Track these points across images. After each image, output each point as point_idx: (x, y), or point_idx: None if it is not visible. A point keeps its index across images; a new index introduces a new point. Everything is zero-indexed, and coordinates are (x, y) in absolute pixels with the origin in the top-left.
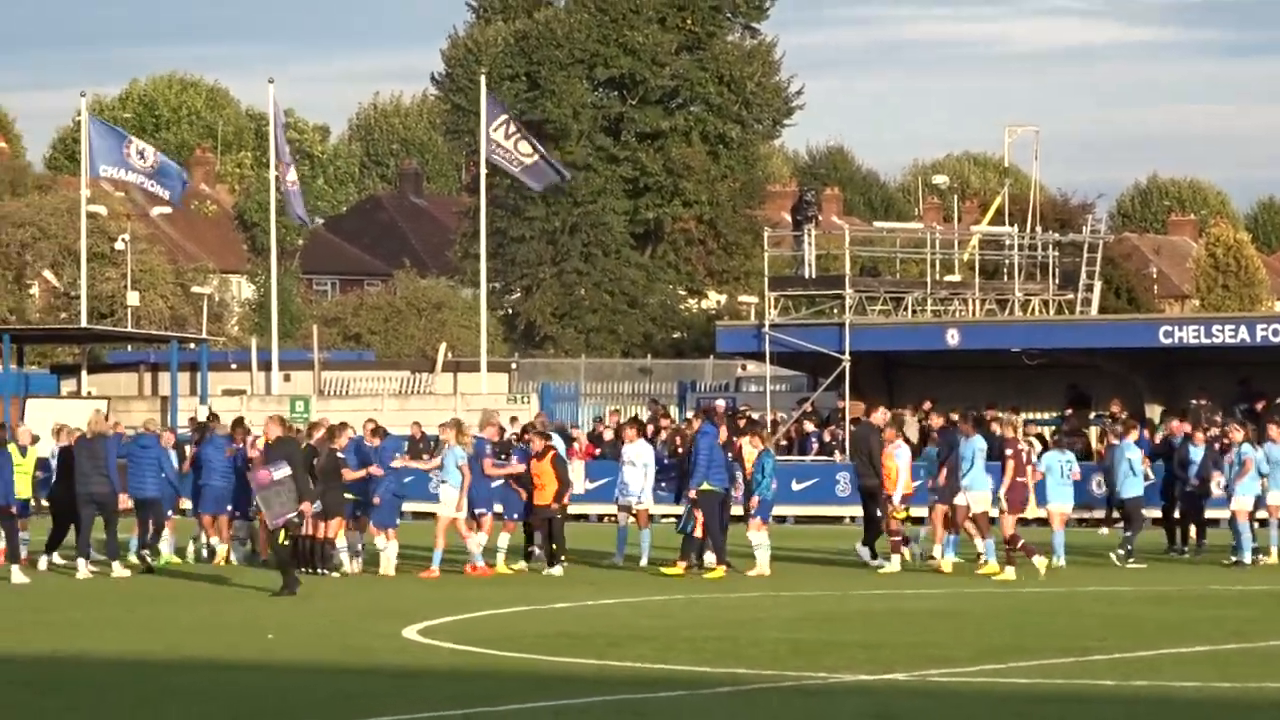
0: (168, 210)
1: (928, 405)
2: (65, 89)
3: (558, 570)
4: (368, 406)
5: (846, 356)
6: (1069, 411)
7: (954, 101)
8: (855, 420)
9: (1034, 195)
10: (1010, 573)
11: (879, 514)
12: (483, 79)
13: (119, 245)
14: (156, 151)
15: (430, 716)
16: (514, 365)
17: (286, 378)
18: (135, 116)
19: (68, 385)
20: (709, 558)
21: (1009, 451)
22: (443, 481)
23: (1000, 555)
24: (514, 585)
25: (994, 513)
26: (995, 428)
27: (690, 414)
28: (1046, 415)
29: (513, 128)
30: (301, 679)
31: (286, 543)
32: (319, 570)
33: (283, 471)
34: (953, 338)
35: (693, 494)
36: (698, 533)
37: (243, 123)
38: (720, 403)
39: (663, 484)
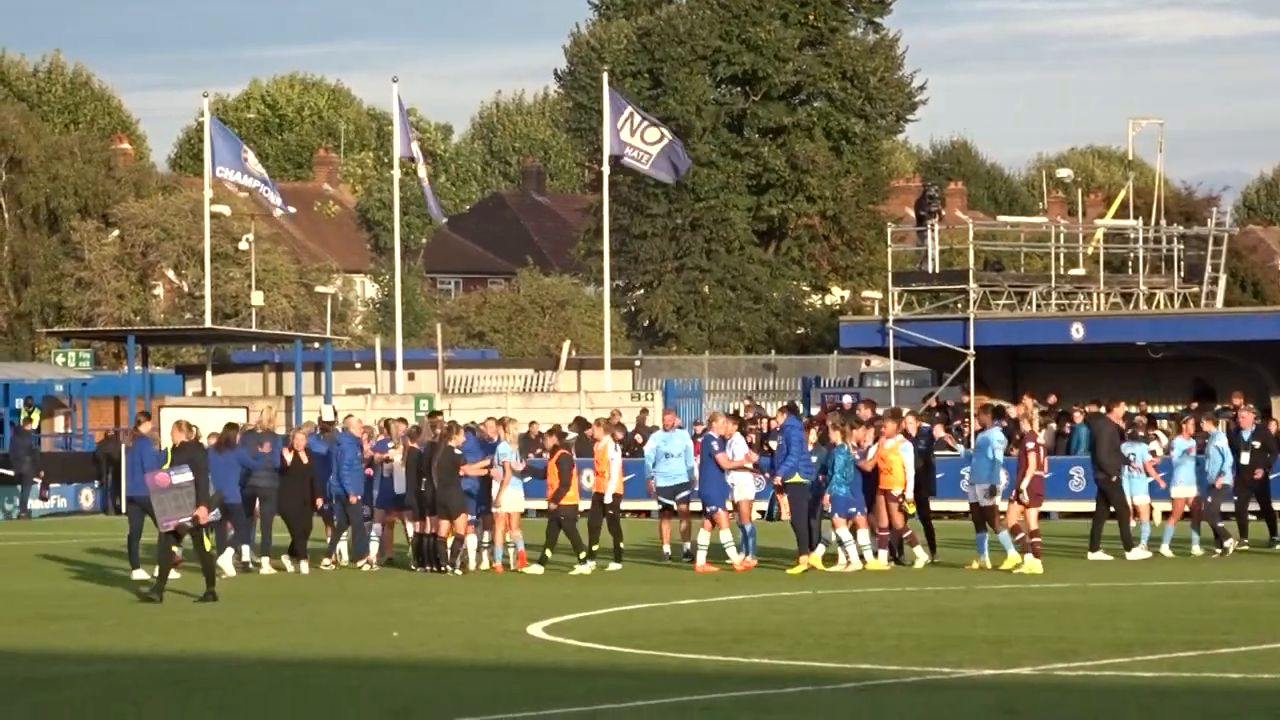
0: (291, 210)
1: (1053, 399)
2: (189, 89)
3: (537, 569)
4: (491, 405)
5: (971, 351)
6: (1194, 405)
7: (1078, 95)
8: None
9: (1158, 188)
10: (1032, 562)
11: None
12: (605, 76)
13: (243, 245)
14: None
15: (556, 714)
16: (638, 363)
17: (411, 377)
18: (258, 116)
19: (192, 386)
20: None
21: (1029, 445)
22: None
23: (1017, 545)
24: (640, 582)
25: (1003, 505)
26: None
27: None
28: (1172, 409)
29: (638, 119)
30: (428, 677)
31: (213, 549)
32: (443, 568)
33: (184, 476)
34: (1078, 331)
35: (779, 482)
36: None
37: (364, 122)
38: (847, 399)
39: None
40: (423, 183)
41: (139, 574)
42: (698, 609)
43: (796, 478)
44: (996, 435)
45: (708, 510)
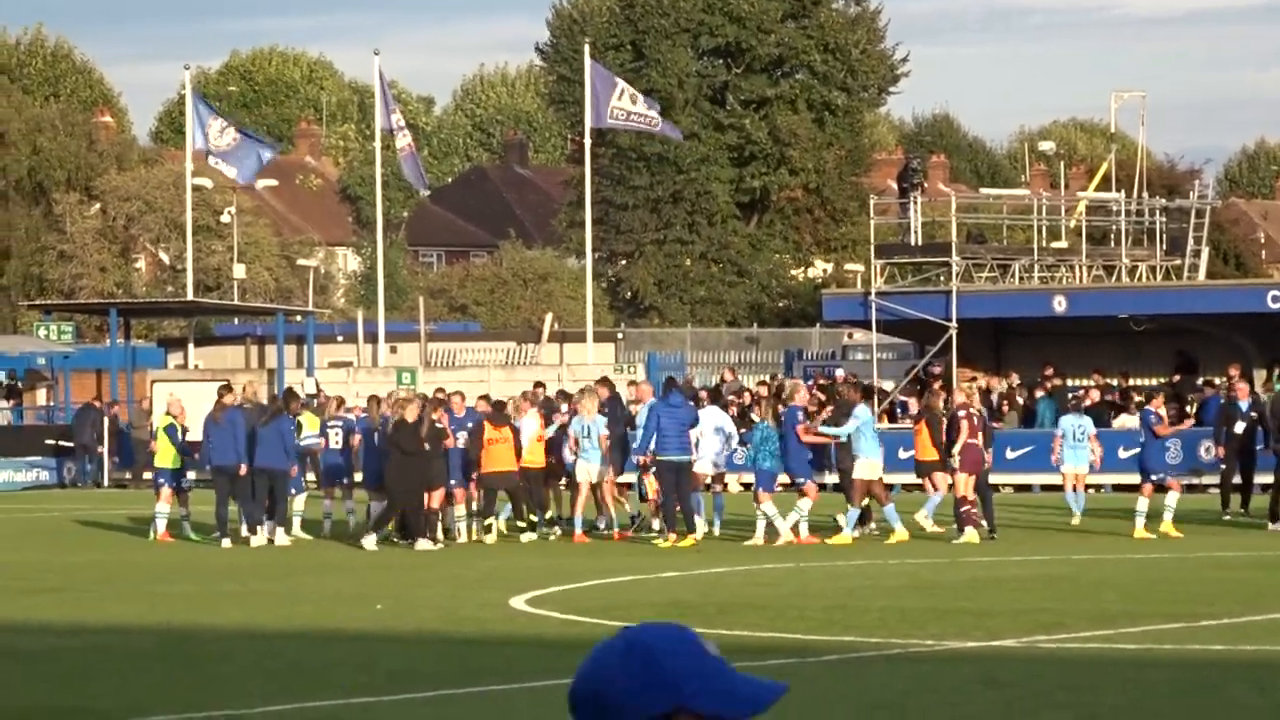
0: (273, 183)
1: (1049, 370)
2: (170, 62)
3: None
4: (474, 378)
5: (953, 324)
6: (1176, 377)
7: (1061, 67)
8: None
9: (1140, 161)
10: (971, 534)
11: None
12: (586, 48)
13: (224, 218)
14: (238, 131)
15: (539, 686)
16: (620, 335)
17: (393, 349)
18: (238, 90)
19: (174, 359)
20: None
21: (961, 414)
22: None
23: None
24: (623, 555)
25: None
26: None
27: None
28: (1154, 381)
29: (630, 90)
30: (410, 649)
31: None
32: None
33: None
34: (1060, 304)
35: (639, 460)
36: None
37: (346, 95)
38: (840, 372)
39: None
40: (402, 153)
41: (226, 543)
42: (680, 581)
43: (662, 455)
44: (865, 411)
45: (797, 482)
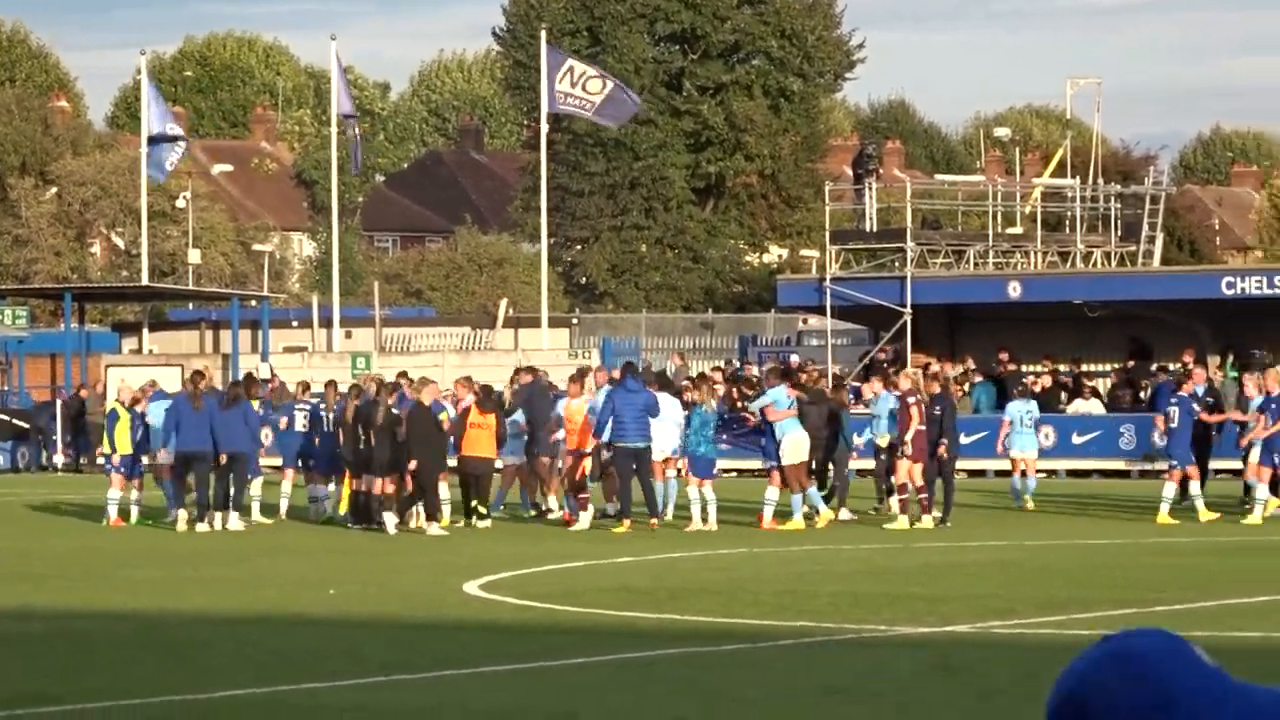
0: (228, 168)
1: (1004, 356)
2: (126, 47)
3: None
4: (429, 363)
5: (908, 310)
6: (1130, 363)
7: (1017, 54)
8: None
9: (1095, 147)
10: (926, 521)
11: None
12: (543, 34)
13: (180, 203)
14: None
15: (494, 671)
16: (575, 321)
17: (348, 335)
18: (193, 75)
19: (129, 344)
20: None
21: (911, 400)
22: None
23: (912, 500)
24: (577, 540)
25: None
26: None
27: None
28: (1108, 366)
29: (579, 70)
30: (363, 634)
31: None
32: (376, 525)
33: None
34: (1015, 290)
35: (595, 442)
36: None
37: (302, 80)
38: (795, 357)
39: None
40: (352, 140)
41: (181, 521)
42: (634, 567)
43: (619, 441)
44: (782, 394)
45: (770, 466)
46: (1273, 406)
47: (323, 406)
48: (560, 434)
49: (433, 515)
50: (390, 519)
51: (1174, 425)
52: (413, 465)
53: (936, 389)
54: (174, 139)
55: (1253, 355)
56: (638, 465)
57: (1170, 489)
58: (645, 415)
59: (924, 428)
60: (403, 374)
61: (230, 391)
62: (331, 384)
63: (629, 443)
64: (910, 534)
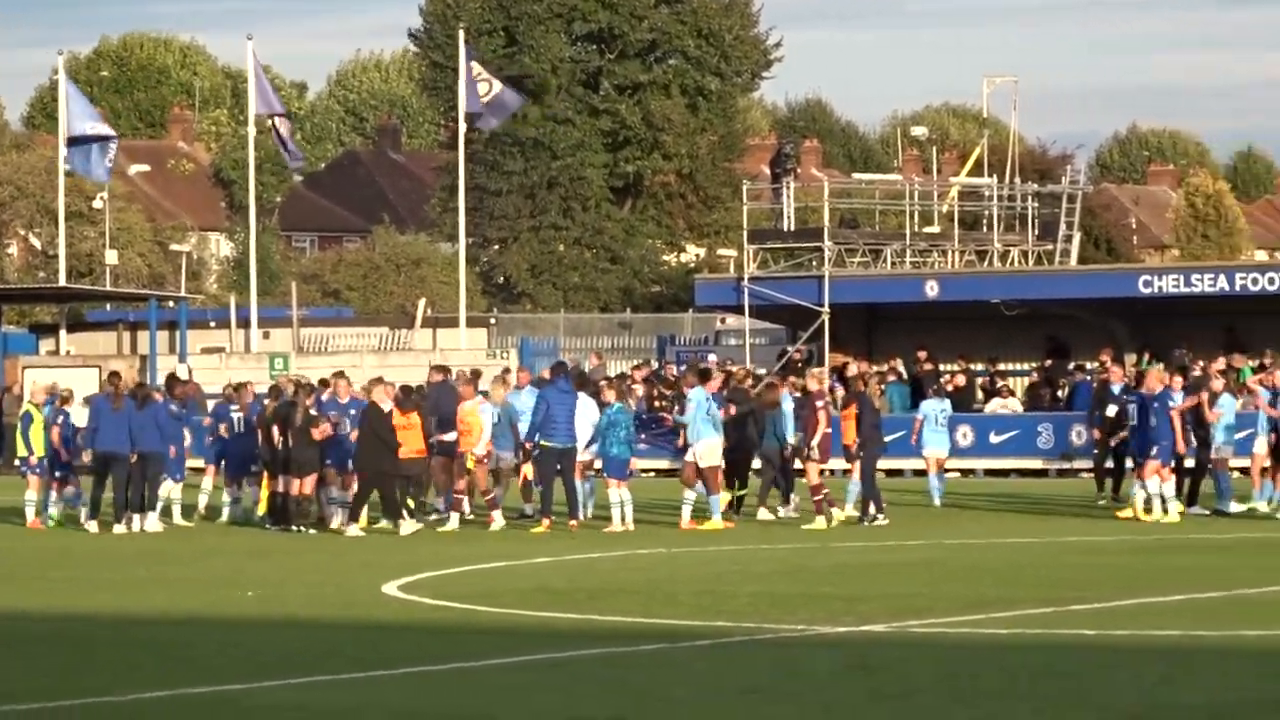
0: (145, 168)
1: (922, 354)
2: (42, 47)
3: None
4: (346, 363)
5: (825, 309)
6: (1048, 362)
7: (934, 53)
8: None
9: (1012, 146)
10: (820, 522)
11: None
12: (460, 34)
13: (97, 204)
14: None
15: (413, 672)
16: (493, 320)
17: (265, 335)
18: (110, 75)
19: (46, 345)
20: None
21: (819, 404)
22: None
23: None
24: (496, 541)
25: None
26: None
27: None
28: (1026, 365)
29: (475, 69)
30: (284, 636)
31: None
32: (295, 527)
33: None
34: (932, 289)
35: (527, 445)
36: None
37: (219, 80)
38: (713, 357)
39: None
40: (279, 134)
41: (93, 526)
42: (552, 567)
43: (543, 441)
44: (701, 395)
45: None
46: (1155, 405)
47: (233, 408)
48: (452, 435)
49: (393, 515)
50: (353, 529)
51: (1153, 423)
52: (363, 464)
53: (861, 387)
54: (105, 138)
55: (1173, 354)
56: (562, 465)
57: (1156, 484)
58: (574, 416)
59: (828, 431)
60: (339, 374)
61: (139, 392)
62: (241, 385)
63: (557, 443)
64: (828, 534)
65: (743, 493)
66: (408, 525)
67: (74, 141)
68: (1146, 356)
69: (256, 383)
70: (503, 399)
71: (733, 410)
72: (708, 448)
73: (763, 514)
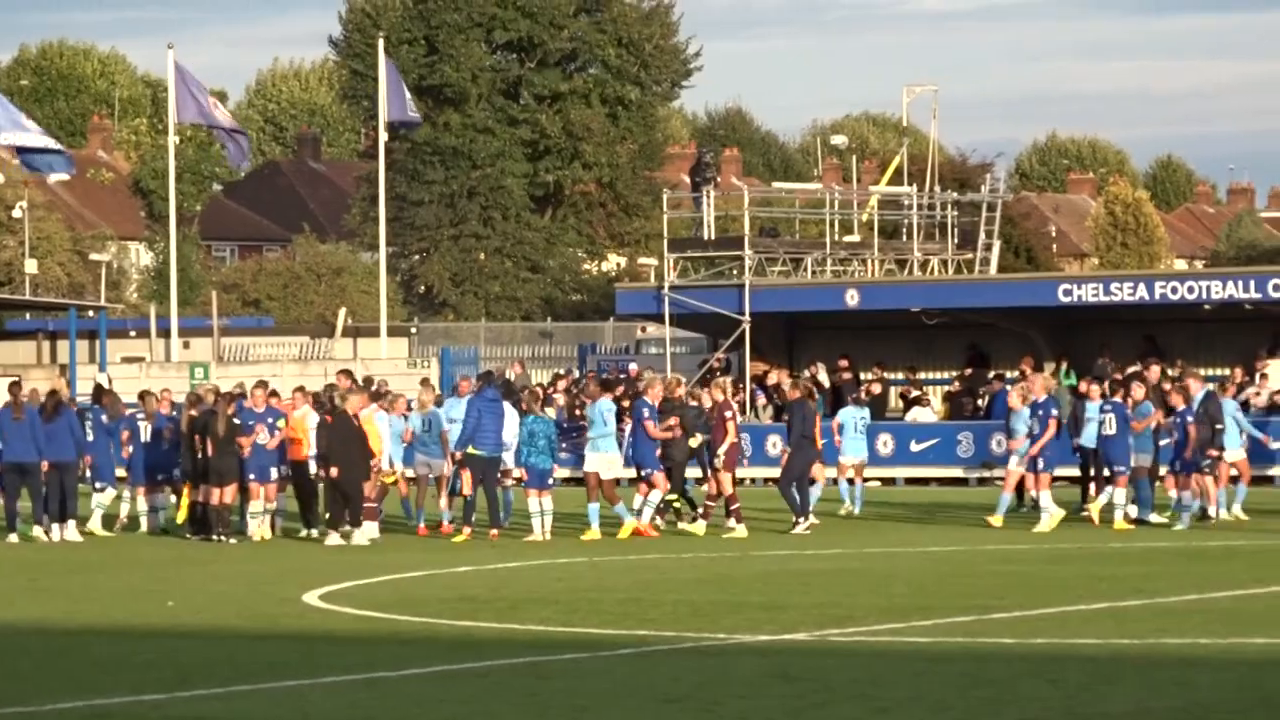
0: (65, 177)
1: (844, 363)
2: None
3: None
4: (267, 372)
5: (746, 318)
6: (968, 371)
7: (854, 62)
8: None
9: (932, 155)
10: (742, 530)
11: None
12: (380, 43)
13: (16, 213)
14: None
15: (331, 682)
16: (414, 330)
17: (186, 344)
18: (29, 83)
19: None
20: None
21: (728, 414)
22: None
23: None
24: (417, 550)
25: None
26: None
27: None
28: (947, 374)
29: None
30: (204, 646)
31: None
32: (216, 536)
33: None
34: (852, 298)
35: (456, 455)
36: (467, 491)
37: (139, 89)
38: (634, 366)
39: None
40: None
41: (13, 538)
42: (473, 576)
43: (473, 449)
44: (606, 404)
45: (643, 474)
46: (1039, 413)
47: (139, 417)
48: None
49: (359, 521)
50: (333, 538)
51: (1111, 432)
52: (335, 473)
53: (798, 395)
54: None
55: (1096, 364)
56: (486, 475)
57: (1120, 494)
58: (503, 425)
59: (736, 440)
60: (261, 383)
61: (49, 401)
62: (145, 394)
63: (485, 451)
64: (748, 542)
65: (677, 504)
66: (363, 532)
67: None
68: (1064, 365)
69: (176, 392)
70: (428, 406)
71: (676, 424)
72: (606, 461)
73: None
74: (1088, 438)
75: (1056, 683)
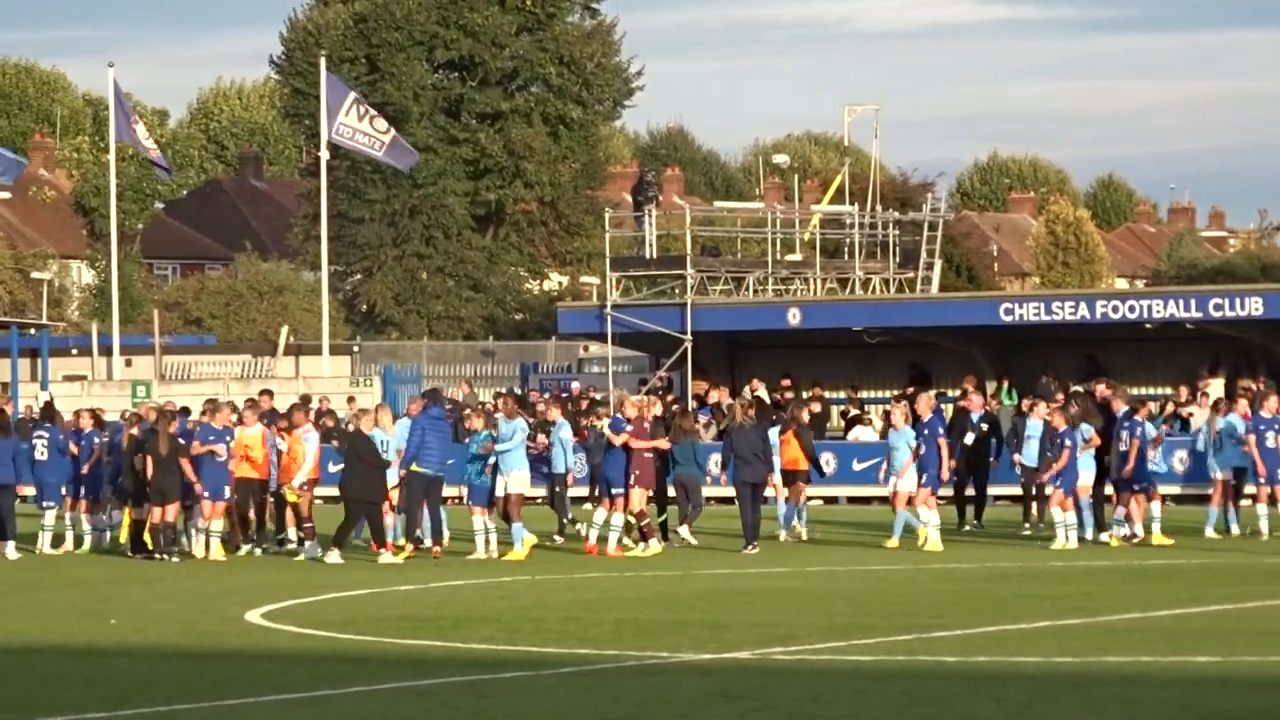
0: (5, 195)
1: (786, 382)
2: None
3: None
4: (209, 390)
5: (688, 336)
6: (910, 389)
7: (795, 81)
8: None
9: (874, 174)
10: (655, 545)
11: None
12: (322, 62)
13: None
14: None
15: (274, 700)
16: (356, 349)
17: (128, 363)
18: None
19: None
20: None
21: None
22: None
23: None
24: (359, 569)
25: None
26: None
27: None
28: (888, 393)
29: (364, 108)
30: (146, 664)
31: None
32: (160, 555)
33: None
34: (794, 317)
35: (402, 473)
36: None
37: (80, 107)
38: (576, 384)
39: None
40: (149, 151)
41: None
42: (416, 595)
43: (415, 466)
44: (521, 425)
45: (614, 492)
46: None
47: (61, 435)
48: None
49: (382, 540)
50: (334, 555)
51: (1124, 449)
52: (353, 493)
53: (740, 413)
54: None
55: (1039, 382)
56: (430, 492)
57: (1156, 508)
58: (447, 444)
59: (651, 456)
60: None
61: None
62: (79, 412)
63: (429, 469)
64: (691, 560)
65: (663, 518)
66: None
67: None
68: (1006, 384)
69: (110, 411)
70: (389, 425)
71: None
72: (516, 478)
73: (684, 532)
74: (1029, 456)
75: (998, 701)
